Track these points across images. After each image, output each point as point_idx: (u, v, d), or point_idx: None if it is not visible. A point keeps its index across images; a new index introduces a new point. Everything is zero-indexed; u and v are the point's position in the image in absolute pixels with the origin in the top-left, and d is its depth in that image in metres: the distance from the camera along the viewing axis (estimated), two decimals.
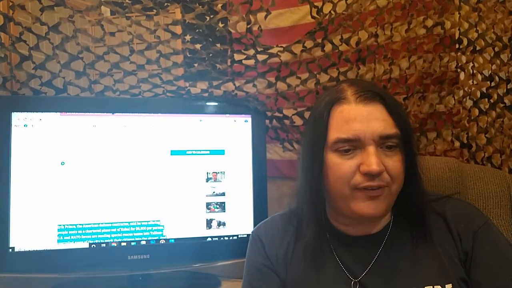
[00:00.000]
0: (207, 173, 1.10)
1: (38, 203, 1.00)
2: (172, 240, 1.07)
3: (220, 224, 1.09)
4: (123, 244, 1.04)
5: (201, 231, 1.08)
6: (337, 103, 0.70)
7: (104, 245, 1.03)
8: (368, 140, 0.66)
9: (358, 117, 0.67)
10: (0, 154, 0.98)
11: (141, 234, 1.05)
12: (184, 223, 1.07)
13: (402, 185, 0.70)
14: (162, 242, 1.06)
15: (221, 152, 1.11)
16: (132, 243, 1.05)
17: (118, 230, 1.04)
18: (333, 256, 0.75)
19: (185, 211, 1.08)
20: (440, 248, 0.71)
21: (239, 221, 1.11)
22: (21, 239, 0.99)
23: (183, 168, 1.08)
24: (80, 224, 1.02)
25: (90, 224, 1.02)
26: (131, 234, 1.04)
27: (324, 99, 0.73)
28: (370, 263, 0.72)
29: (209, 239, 1.09)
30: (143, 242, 1.05)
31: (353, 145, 0.67)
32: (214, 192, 1.10)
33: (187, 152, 1.09)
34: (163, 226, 1.06)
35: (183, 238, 1.07)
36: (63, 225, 1.01)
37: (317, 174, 0.71)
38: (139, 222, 1.05)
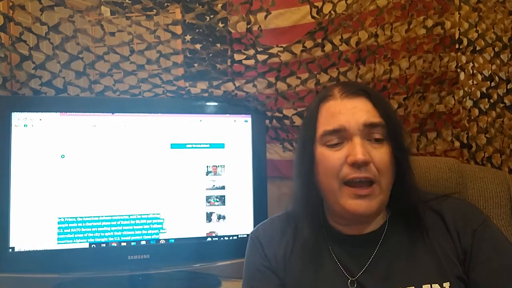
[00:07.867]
0: (207, 166, 1.10)
1: (38, 203, 1.00)
2: (172, 240, 1.07)
3: (220, 217, 1.10)
4: (123, 244, 1.04)
5: (201, 225, 1.08)
6: (325, 100, 0.75)
7: (104, 245, 1.03)
8: (354, 130, 0.69)
9: (343, 110, 0.71)
10: (0, 154, 0.99)
11: (141, 227, 1.05)
12: (184, 216, 1.08)
13: (393, 180, 0.71)
14: (162, 242, 1.06)
15: (221, 145, 1.11)
16: (132, 243, 1.05)
17: (119, 223, 1.04)
18: (331, 255, 0.75)
19: (185, 205, 1.08)
20: (437, 246, 0.71)
21: (239, 215, 1.11)
22: (21, 239, 0.99)
23: (183, 162, 1.08)
24: (80, 217, 1.02)
25: (91, 217, 1.02)
26: (131, 227, 1.04)
27: (315, 99, 0.78)
28: (367, 262, 0.72)
29: (209, 239, 1.09)
30: (143, 242, 1.05)
31: (339, 136, 0.70)
32: (214, 185, 1.10)
33: (187, 146, 1.09)
34: (163, 219, 1.06)
35: (183, 238, 1.07)
36: (63, 218, 1.01)
37: (308, 168, 0.73)
38: (139, 215, 1.05)
